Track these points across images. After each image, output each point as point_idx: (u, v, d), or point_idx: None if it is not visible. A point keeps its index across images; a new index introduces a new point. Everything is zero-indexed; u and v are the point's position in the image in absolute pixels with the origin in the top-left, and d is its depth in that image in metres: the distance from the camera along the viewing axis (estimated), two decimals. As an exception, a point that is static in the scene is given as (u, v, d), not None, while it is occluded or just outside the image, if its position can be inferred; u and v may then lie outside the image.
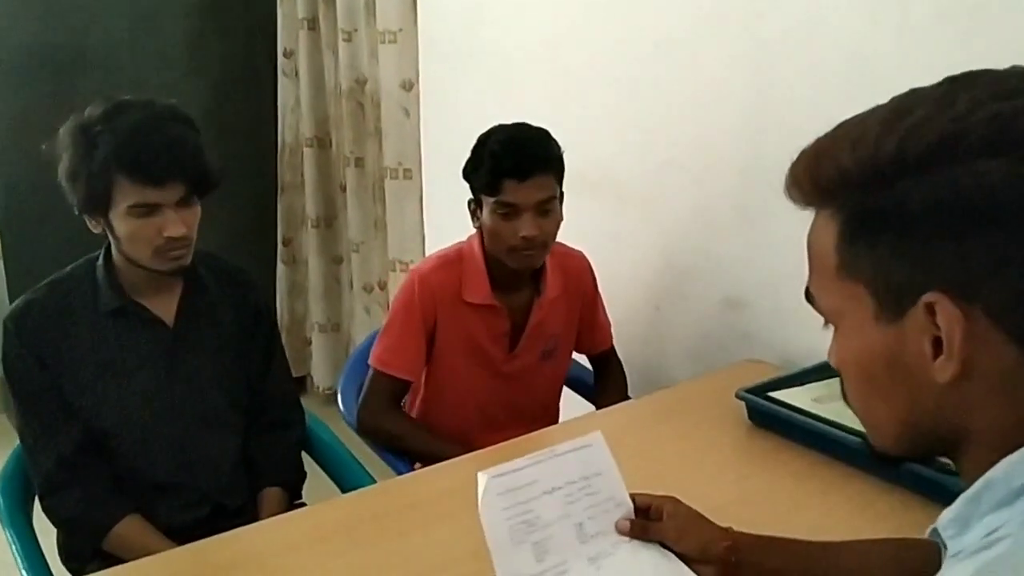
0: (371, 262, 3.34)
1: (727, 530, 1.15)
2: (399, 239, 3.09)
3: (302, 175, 3.55)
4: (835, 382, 1.66)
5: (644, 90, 2.13)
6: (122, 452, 1.60)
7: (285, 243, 3.71)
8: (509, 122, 1.81)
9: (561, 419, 2.07)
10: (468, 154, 2.65)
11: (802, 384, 1.66)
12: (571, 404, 2.11)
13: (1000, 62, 0.70)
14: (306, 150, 3.48)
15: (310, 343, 3.71)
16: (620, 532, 1.16)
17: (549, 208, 1.73)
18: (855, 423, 1.47)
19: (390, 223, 3.09)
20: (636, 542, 1.16)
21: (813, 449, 1.52)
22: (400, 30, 2.88)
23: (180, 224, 1.50)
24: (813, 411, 1.54)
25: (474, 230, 1.88)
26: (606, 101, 2.22)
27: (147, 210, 1.48)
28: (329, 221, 3.57)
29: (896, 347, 0.68)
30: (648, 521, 1.17)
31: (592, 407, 2.13)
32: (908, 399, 0.70)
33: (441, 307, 1.82)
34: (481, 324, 1.85)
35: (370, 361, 1.86)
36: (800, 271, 1.95)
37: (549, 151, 1.74)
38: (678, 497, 1.18)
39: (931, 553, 1.06)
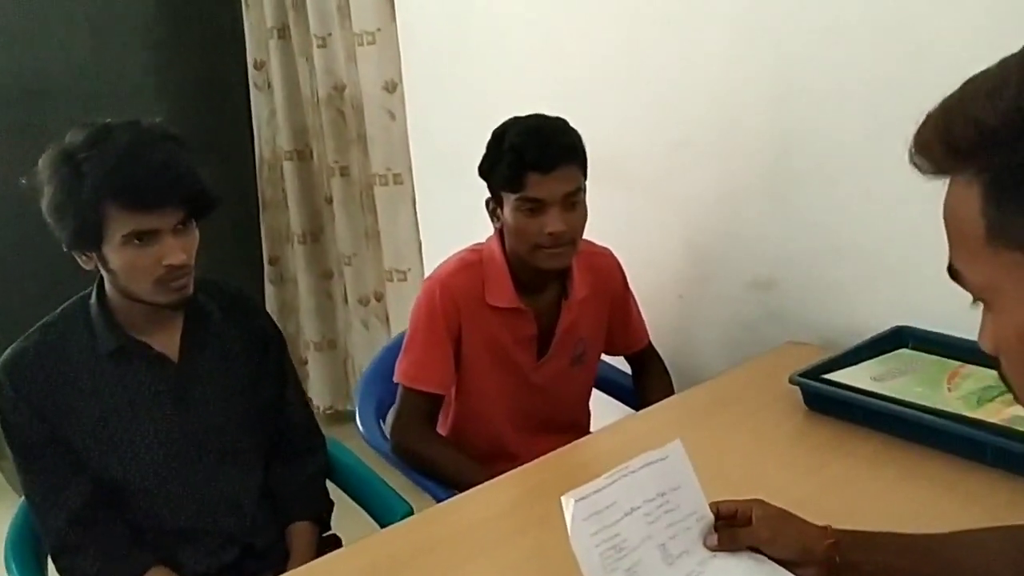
0: (365, 274, 3.22)
1: (826, 528, 1.06)
2: (394, 248, 2.98)
3: (284, 190, 3.43)
4: (891, 358, 1.59)
5: (648, 70, 2.03)
6: (137, 501, 1.49)
7: (271, 262, 3.58)
8: (511, 115, 1.71)
9: (592, 423, 1.97)
10: (461, 153, 2.56)
11: (856, 363, 1.57)
12: (601, 406, 2.01)
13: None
14: (286, 164, 3.35)
15: (306, 363, 3.58)
16: (709, 548, 1.06)
17: (576, 201, 1.64)
18: (923, 400, 1.40)
19: (383, 232, 2.98)
20: (724, 555, 1.07)
21: (880, 431, 1.43)
22: (378, 30, 2.77)
23: (180, 251, 1.40)
24: (876, 391, 1.45)
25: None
26: (609, 85, 2.11)
27: (144, 238, 1.37)
28: (316, 236, 3.45)
29: None
30: (737, 528, 1.07)
31: (625, 408, 2.04)
32: None
33: (465, 313, 1.72)
34: (507, 329, 1.75)
35: (397, 378, 1.75)
36: (833, 244, 1.88)
37: (572, 140, 1.65)
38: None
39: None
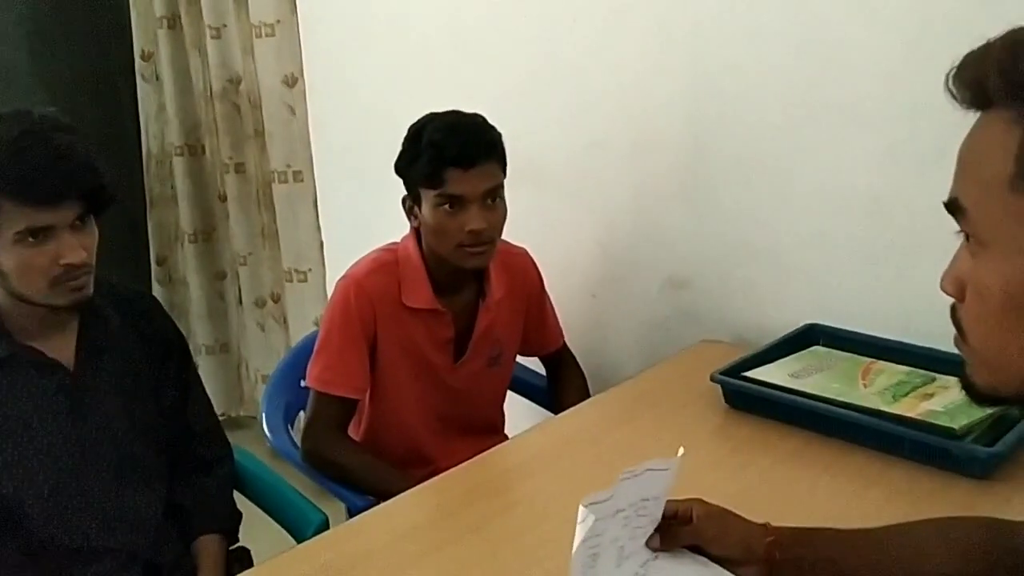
0: (261, 274, 3.12)
1: (765, 526, 1.06)
2: (294, 247, 2.88)
3: (173, 187, 3.28)
4: (806, 355, 1.62)
5: (562, 69, 2.02)
6: (31, 520, 1.38)
7: (159, 262, 3.42)
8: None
9: (506, 424, 1.95)
10: (364, 150, 2.50)
11: (772, 361, 1.59)
12: (515, 408, 1.99)
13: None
14: (176, 159, 3.21)
15: (197, 367, 3.43)
16: (651, 547, 1.05)
17: (496, 198, 1.62)
18: (840, 396, 1.43)
19: (282, 230, 2.89)
20: (665, 556, 1.05)
21: (802, 428, 1.45)
22: (278, 22, 2.68)
23: (79, 249, 1.30)
24: (796, 388, 1.47)
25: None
26: (521, 83, 2.09)
27: (39, 236, 1.27)
28: (208, 234, 3.32)
29: None
30: (678, 526, 1.06)
31: (539, 409, 2.02)
32: None
33: (381, 314, 1.66)
34: (424, 331, 1.70)
35: (308, 383, 1.68)
36: (745, 244, 1.90)
37: (492, 137, 1.63)
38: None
39: (984, 529, 1.01)
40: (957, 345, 0.72)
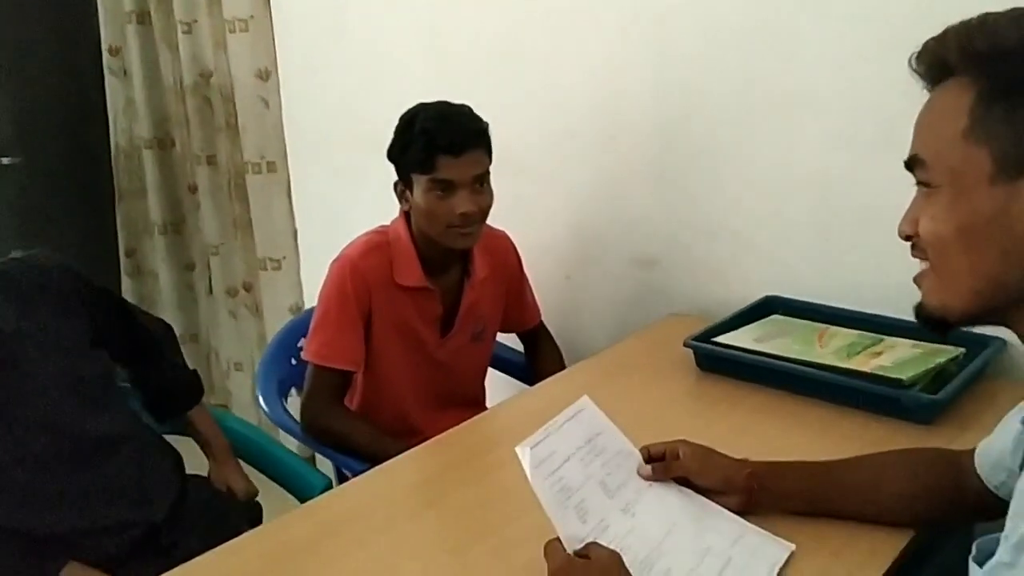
0: (233, 264, 3.18)
1: (744, 460, 1.21)
2: (268, 236, 2.95)
3: (142, 180, 3.33)
4: (767, 323, 1.77)
5: (533, 61, 2.15)
6: (17, 515, 1.43)
7: (128, 254, 3.47)
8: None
9: (488, 398, 2.07)
10: (338, 141, 2.60)
11: (738, 328, 1.74)
12: (494, 382, 2.11)
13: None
14: (145, 152, 3.26)
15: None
16: (643, 477, 1.20)
17: (484, 183, 1.74)
18: (801, 356, 1.58)
19: (256, 221, 2.95)
20: (657, 485, 1.21)
21: (766, 385, 1.60)
22: (251, 17, 2.74)
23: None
24: (761, 349, 1.63)
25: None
26: (493, 76, 2.21)
27: None
28: (178, 226, 3.38)
29: (1005, 207, 0.77)
30: (668, 461, 1.20)
31: (516, 382, 2.15)
32: (1001, 259, 0.79)
33: (375, 292, 1.78)
34: (414, 308, 1.82)
35: (307, 357, 1.78)
36: (709, 225, 2.04)
37: (480, 126, 1.74)
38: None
39: (937, 458, 1.17)
40: (917, 281, 0.88)
